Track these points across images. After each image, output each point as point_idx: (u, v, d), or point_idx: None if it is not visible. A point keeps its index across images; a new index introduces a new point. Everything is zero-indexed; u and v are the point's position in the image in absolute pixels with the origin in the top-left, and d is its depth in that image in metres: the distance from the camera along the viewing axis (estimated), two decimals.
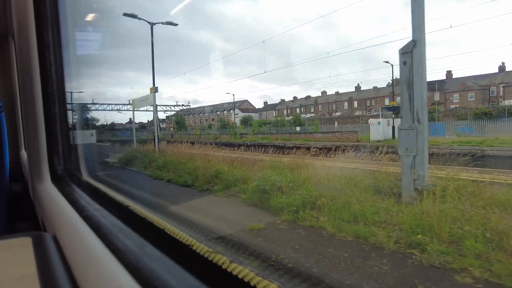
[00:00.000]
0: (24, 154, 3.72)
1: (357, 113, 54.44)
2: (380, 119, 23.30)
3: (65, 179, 1.79)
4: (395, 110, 25.82)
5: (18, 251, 1.12)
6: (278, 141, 24.75)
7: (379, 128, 22.28)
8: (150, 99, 14.71)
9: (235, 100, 74.57)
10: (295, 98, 71.74)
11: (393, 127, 22.10)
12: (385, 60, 29.95)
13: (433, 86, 50.78)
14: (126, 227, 0.96)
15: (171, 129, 50.64)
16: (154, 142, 14.90)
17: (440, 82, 50.57)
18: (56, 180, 1.78)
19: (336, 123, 39.71)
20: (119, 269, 0.70)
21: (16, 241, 1.21)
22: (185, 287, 0.61)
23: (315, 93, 69.73)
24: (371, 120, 23.07)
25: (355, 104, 60.69)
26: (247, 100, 75.69)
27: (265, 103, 77.29)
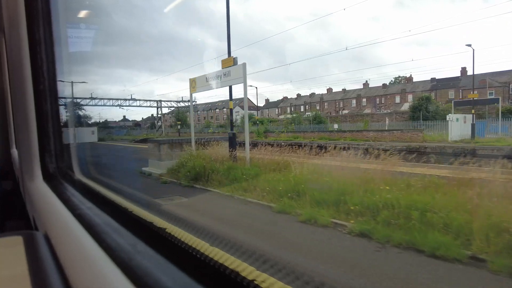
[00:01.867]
0: (15, 152, 3.67)
1: (366, 111, 52.74)
2: (458, 115, 20.32)
3: (57, 177, 1.77)
4: (477, 105, 22.08)
5: (9, 250, 1.10)
6: (323, 141, 20.69)
7: (457, 126, 19.01)
8: (237, 73, 8.72)
9: (235, 98, 73.05)
10: (298, 95, 70.75)
11: (473, 125, 18.95)
12: (467, 44, 23.54)
13: (447, 83, 48.88)
14: (118, 226, 0.95)
15: (178, 126, 49.01)
16: (238, 145, 9.70)
17: (455, 79, 48.73)
18: (48, 178, 1.77)
19: (387, 120, 34.91)
20: (112, 268, 0.69)
21: (7, 240, 1.20)
22: (178, 285, 0.61)
23: (304, 92, 69.70)
24: (450, 116, 19.86)
25: (364, 101, 59.34)
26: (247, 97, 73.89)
27: (267, 100, 76.08)
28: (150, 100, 47.74)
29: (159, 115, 51.73)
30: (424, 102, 32.36)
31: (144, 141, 38.13)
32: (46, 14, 1.76)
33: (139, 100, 45.73)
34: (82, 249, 0.85)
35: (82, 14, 2.59)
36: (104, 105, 40.77)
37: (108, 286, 0.65)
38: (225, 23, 9.94)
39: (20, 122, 1.82)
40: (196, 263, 0.68)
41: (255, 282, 0.57)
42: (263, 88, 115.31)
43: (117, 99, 42.73)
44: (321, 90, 67.87)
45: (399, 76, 59.65)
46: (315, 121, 37.15)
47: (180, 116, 52.92)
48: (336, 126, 32.26)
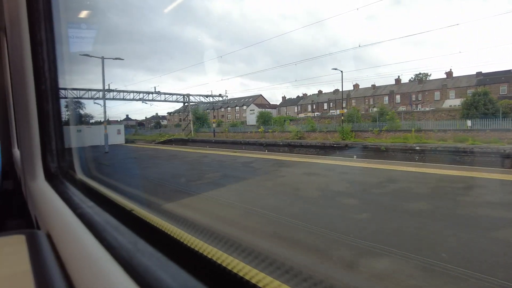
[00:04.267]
0: (16, 151, 3.69)
1: (401, 108, 47.27)
2: None
3: (58, 177, 1.78)
4: None
5: (11, 249, 1.11)
6: None
7: None
8: None
9: (249, 96, 69.83)
10: (320, 92, 66.82)
11: None
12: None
13: (497, 77, 43.29)
14: (119, 224, 0.96)
15: (213, 124, 43.75)
16: None
17: (506, 72, 42.68)
18: (50, 177, 1.77)
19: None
20: (113, 266, 0.70)
21: (9, 239, 1.21)
22: (178, 283, 0.61)
23: (299, 91, 67.53)
24: None
25: (398, 98, 54.28)
26: (261, 95, 71.28)
27: (283, 98, 72.96)
28: (177, 94, 42.33)
29: (185, 111, 46.53)
30: (482, 98, 26.57)
31: (169, 142, 34.77)
32: (48, 14, 1.76)
33: (164, 93, 40.14)
34: (84, 247, 0.86)
35: (84, 14, 2.60)
36: (123, 98, 36.94)
37: (110, 284, 0.66)
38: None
39: (22, 121, 1.83)
40: (196, 262, 0.69)
41: (253, 280, 0.58)
42: (261, 88, 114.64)
43: (139, 92, 37.39)
44: (321, 89, 66.97)
45: (420, 73, 57.09)
46: (382, 118, 29.09)
47: (199, 114, 47.34)
48: (469, 123, 24.68)
